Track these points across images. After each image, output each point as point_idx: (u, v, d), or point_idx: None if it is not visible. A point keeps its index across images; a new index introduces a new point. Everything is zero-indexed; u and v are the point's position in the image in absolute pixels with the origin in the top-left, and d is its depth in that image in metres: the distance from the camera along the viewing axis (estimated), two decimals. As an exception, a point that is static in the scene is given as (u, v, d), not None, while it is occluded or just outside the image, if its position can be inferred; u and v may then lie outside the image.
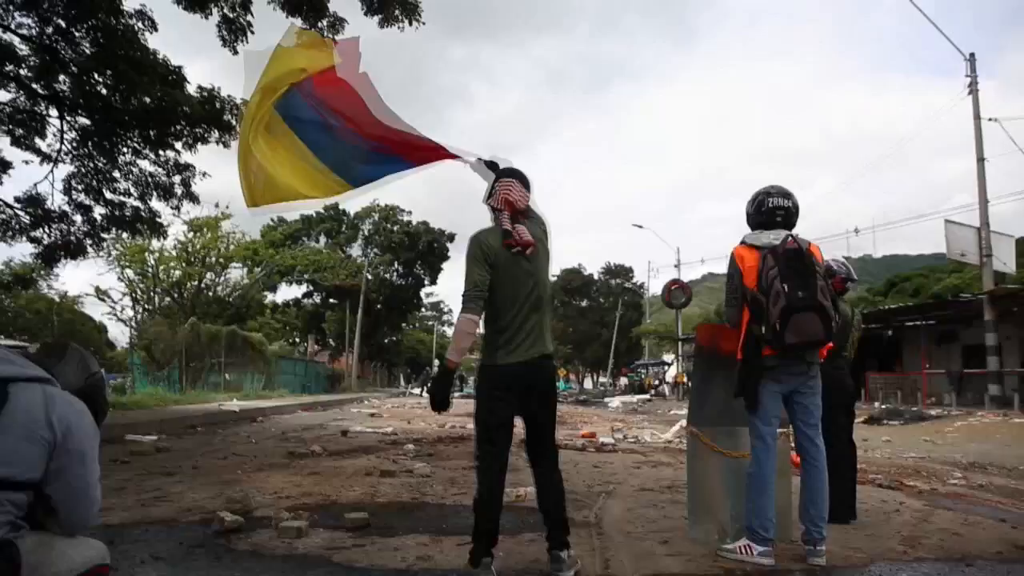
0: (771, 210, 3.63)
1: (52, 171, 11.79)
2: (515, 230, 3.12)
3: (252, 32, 10.52)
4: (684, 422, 11.56)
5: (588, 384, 64.49)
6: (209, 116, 11.14)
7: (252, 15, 10.43)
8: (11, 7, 10.11)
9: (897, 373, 24.79)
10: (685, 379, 33.85)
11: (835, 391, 4.23)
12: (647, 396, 33.16)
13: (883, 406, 19.11)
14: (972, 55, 18.33)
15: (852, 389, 4.74)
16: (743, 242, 3.66)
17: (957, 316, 21.79)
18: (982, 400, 18.24)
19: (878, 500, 5.23)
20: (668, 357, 48.10)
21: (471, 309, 3.05)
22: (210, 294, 35.02)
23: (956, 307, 21.04)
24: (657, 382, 41.15)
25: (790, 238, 3.51)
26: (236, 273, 38.14)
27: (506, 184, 3.23)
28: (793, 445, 3.86)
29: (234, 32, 10.42)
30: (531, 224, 3.25)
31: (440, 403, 3.14)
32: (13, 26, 10.29)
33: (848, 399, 4.66)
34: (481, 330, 3.24)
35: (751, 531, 3.44)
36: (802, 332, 3.34)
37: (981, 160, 18.16)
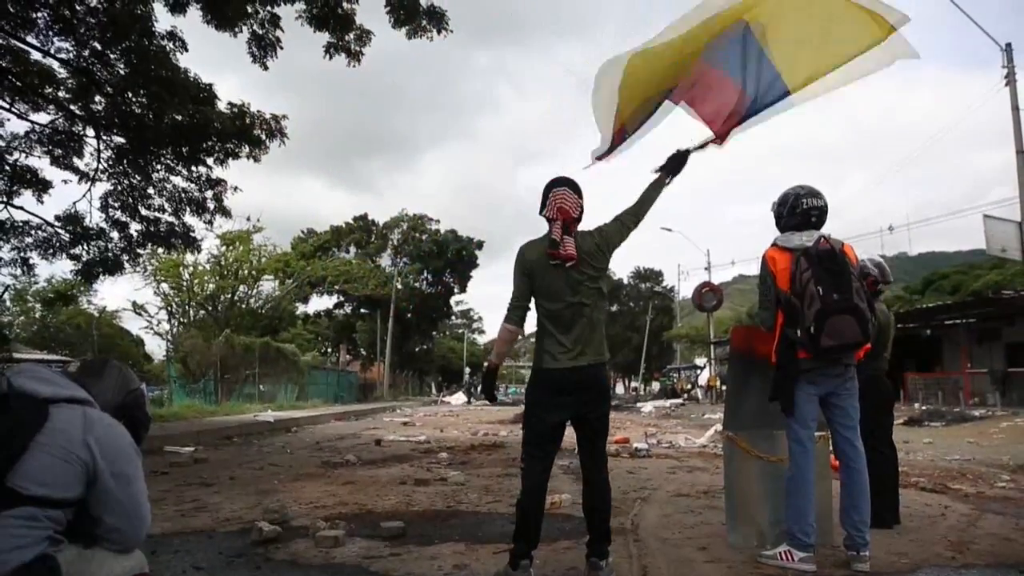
0: (806, 211, 3.55)
1: (90, 189, 12.11)
2: (563, 241, 3.11)
3: (281, 48, 10.71)
4: (719, 426, 11.42)
5: (620, 389, 64.08)
6: (239, 131, 11.35)
7: (282, 30, 10.62)
8: (50, 33, 10.42)
9: (937, 373, 24.21)
10: (718, 383, 33.44)
11: (873, 393, 4.15)
12: (680, 400, 32.82)
13: (923, 407, 18.67)
14: (1008, 45, 17.85)
15: (890, 389, 4.64)
16: (775, 244, 3.59)
17: (999, 313, 21.20)
18: (1028, 400, 17.71)
19: (922, 504, 5.10)
20: (700, 361, 47.58)
21: (510, 319, 3.26)
22: (243, 306, 35.62)
23: (998, 304, 20.47)
24: (690, 386, 40.73)
25: (823, 239, 3.45)
26: (268, 285, 38.77)
27: (560, 193, 3.20)
28: (832, 448, 3.79)
29: (264, 48, 10.62)
30: (584, 236, 3.22)
31: (487, 395, 3.57)
32: (52, 51, 10.62)
33: (887, 400, 4.56)
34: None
35: (791, 536, 3.38)
36: (838, 335, 3.28)
37: (1021, 152, 17.62)
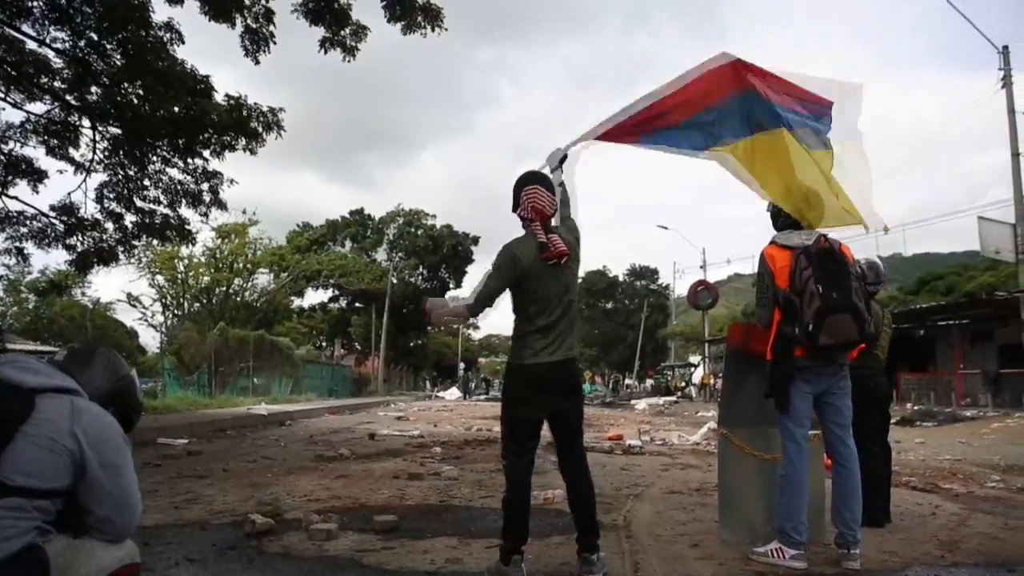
0: (775, 207, 3.60)
1: (85, 180, 12.08)
2: (550, 240, 3.12)
3: (275, 43, 10.66)
4: (712, 424, 11.46)
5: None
6: (236, 124, 11.30)
7: (275, 26, 10.57)
8: (47, 22, 10.36)
9: (930, 373, 24.31)
10: (712, 381, 33.53)
11: (867, 392, 4.17)
12: (674, 398, 32.90)
13: (916, 407, 18.76)
14: (1005, 47, 17.91)
15: (885, 389, 4.66)
16: (773, 242, 3.61)
17: (992, 315, 21.31)
18: (1020, 400, 17.80)
19: (913, 503, 5.13)
20: (694, 359, 47.70)
21: (474, 312, 3.27)
22: (238, 299, 35.58)
23: (991, 305, 20.57)
24: (684, 384, 40.81)
25: (822, 238, 3.47)
26: (263, 278, 38.73)
27: (532, 192, 3.21)
28: (824, 447, 3.81)
29: (257, 42, 10.57)
30: (563, 230, 3.25)
31: (426, 319, 3.48)
32: (48, 40, 10.55)
33: (881, 399, 4.58)
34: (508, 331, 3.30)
35: (783, 534, 3.40)
36: (836, 334, 3.30)
37: (1016, 155, 17.70)
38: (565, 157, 3.64)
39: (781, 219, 3.66)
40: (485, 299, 3.18)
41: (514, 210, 3.27)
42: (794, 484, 3.42)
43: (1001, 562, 3.47)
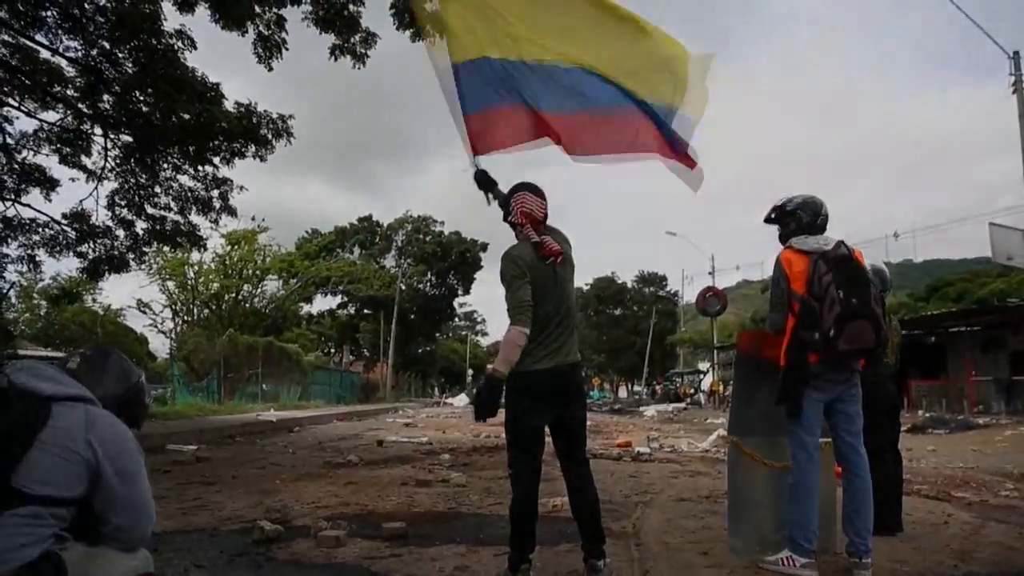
0: (798, 213, 3.60)
1: (96, 188, 12.14)
2: (543, 241, 3.14)
3: (287, 49, 10.71)
4: (721, 431, 11.40)
5: (623, 393, 64.00)
6: (246, 131, 11.35)
7: (287, 32, 10.64)
8: (60, 31, 10.47)
9: (941, 381, 24.12)
10: (721, 388, 33.39)
11: (876, 398, 4.13)
12: (682, 405, 32.77)
13: (927, 414, 18.60)
14: (1016, 53, 17.79)
15: (894, 396, 4.62)
16: (790, 246, 3.58)
17: (1004, 321, 21.14)
18: (1033, 408, 17.63)
19: (925, 512, 5.08)
20: (703, 365, 47.53)
21: (522, 322, 3.01)
22: (247, 306, 35.68)
23: (1003, 312, 20.42)
24: (692, 391, 40.66)
25: (840, 243, 3.46)
26: (272, 285, 38.86)
27: (520, 198, 3.25)
28: (835, 454, 3.78)
29: (269, 49, 10.62)
30: (554, 235, 3.27)
31: (486, 413, 3.04)
32: (61, 49, 10.66)
33: (891, 406, 4.55)
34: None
35: (793, 543, 3.37)
36: (855, 340, 3.28)
37: (1027, 160, 17.58)
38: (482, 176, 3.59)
39: (789, 225, 3.65)
40: (524, 306, 3.02)
41: (505, 219, 3.30)
42: (804, 492, 3.39)
43: (1015, 572, 3.45)
